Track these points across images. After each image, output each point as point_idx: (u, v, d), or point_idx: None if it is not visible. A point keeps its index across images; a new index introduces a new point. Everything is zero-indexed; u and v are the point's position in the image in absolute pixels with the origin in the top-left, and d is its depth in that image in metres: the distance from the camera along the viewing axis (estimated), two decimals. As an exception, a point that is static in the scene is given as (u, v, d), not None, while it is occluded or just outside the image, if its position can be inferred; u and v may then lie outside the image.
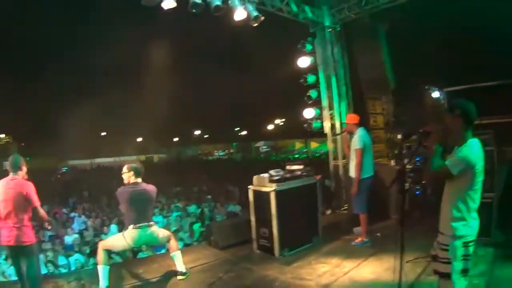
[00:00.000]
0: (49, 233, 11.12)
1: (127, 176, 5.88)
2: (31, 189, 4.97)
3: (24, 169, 5.15)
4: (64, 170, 37.01)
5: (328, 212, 9.47)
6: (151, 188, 5.88)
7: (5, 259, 8.94)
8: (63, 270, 9.17)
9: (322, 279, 5.31)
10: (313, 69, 9.65)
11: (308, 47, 9.53)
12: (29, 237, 4.94)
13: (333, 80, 9.55)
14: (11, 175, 5.04)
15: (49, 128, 29.52)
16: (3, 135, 40.56)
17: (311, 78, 9.56)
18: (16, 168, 5.06)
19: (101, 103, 25.94)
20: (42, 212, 5.05)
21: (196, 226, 11.49)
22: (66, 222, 12.90)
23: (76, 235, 11.33)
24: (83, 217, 13.46)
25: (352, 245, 6.77)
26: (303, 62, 9.55)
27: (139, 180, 5.87)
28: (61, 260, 9.59)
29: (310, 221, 6.90)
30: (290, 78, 10.72)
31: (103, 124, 40.23)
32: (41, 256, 8.96)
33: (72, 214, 13.78)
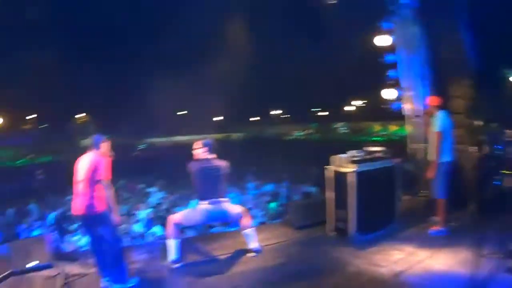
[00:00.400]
0: (125, 207, 11.78)
1: (200, 152, 6.03)
2: (102, 164, 5.21)
3: (104, 147, 5.45)
4: (142, 147, 38.52)
5: (406, 197, 9.08)
6: (223, 164, 5.98)
7: (77, 229, 9.48)
8: (138, 243, 9.62)
9: (395, 266, 5.24)
10: (393, 48, 9.28)
11: (387, 25, 9.16)
12: (100, 206, 5.15)
13: (413, 60, 9.15)
14: (91, 151, 5.39)
15: (128, 107, 30.59)
16: (83, 114, 42.43)
17: (390, 58, 9.27)
18: (95, 145, 5.40)
19: (179, 82, 26.50)
20: (107, 187, 5.20)
21: (272, 205, 11.59)
22: (142, 197, 13.46)
23: (151, 209, 11.82)
24: (158, 192, 13.95)
25: (428, 233, 6.56)
26: (383, 40, 9.24)
27: (212, 156, 5.99)
28: (136, 233, 10.10)
29: (387, 206, 6.71)
30: (370, 58, 10.43)
31: (182, 103, 41.31)
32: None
33: (148, 189, 14.30)
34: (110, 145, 5.56)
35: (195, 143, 6.19)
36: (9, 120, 31.46)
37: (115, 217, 5.31)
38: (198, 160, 6.02)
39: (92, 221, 5.20)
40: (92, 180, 5.13)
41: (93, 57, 26.14)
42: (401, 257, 5.56)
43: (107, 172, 5.21)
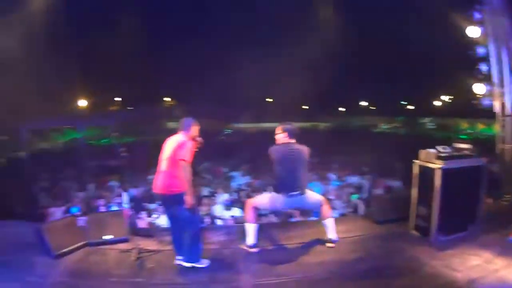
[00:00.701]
0: (208, 189, 12.15)
1: (281, 136, 6.07)
2: (185, 145, 5.37)
3: (193, 130, 5.70)
4: (227, 133, 39.35)
5: (489, 199, 8.51)
6: (303, 149, 5.96)
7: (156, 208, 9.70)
8: (217, 224, 9.97)
9: (470, 272, 5.06)
10: (483, 40, 8.77)
11: (477, 15, 8.69)
12: (178, 186, 5.32)
13: (505, 53, 8.59)
14: (180, 133, 5.66)
15: (215, 93, 31.22)
16: (168, 98, 43.80)
17: (480, 51, 8.84)
18: (184, 127, 5.69)
19: (269, 68, 26.69)
20: (185, 169, 5.27)
21: (354, 197, 11.53)
22: (225, 180, 13.82)
23: (233, 193, 11.99)
24: (241, 176, 14.23)
25: (509, 240, 6.18)
26: (472, 32, 8.82)
27: (292, 140, 6.01)
28: (216, 215, 10.40)
29: (470, 207, 6.40)
30: (459, 51, 10.00)
31: (270, 90, 41.69)
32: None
33: (232, 173, 14.63)
34: (199, 129, 5.79)
35: (276, 128, 6.23)
36: (97, 102, 33.12)
37: (188, 199, 5.41)
38: (278, 145, 6.07)
39: (172, 200, 5.40)
40: (175, 160, 5.33)
41: (182, 40, 26.87)
42: (477, 263, 5.35)
43: (190, 154, 5.34)
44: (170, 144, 5.55)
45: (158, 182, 5.51)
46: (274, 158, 5.95)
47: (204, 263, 5.54)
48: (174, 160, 5.37)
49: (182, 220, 5.46)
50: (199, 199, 8.47)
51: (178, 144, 5.41)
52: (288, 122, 6.28)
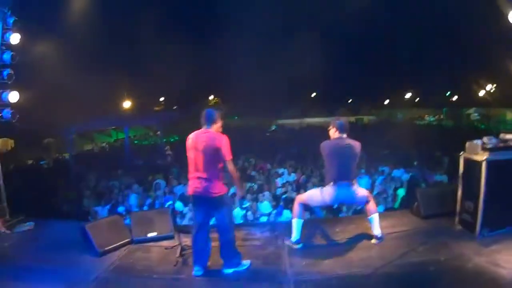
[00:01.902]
0: (253, 184, 12.28)
1: (332, 132, 6.09)
2: (224, 142, 5.08)
3: (219, 123, 5.33)
4: (273, 129, 39.50)
5: None
6: (355, 143, 5.94)
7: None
8: (263, 219, 9.94)
9: None
10: None
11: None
12: (219, 188, 5.11)
13: None
14: (204, 128, 5.27)
15: (260, 89, 31.36)
16: (211, 97, 44.24)
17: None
18: (210, 121, 5.26)
19: (310, 64, 26.59)
20: (231, 167, 5.14)
21: (401, 191, 11.41)
22: (270, 177, 13.91)
23: (279, 189, 12.08)
24: (287, 173, 14.29)
25: None
26: None
27: (344, 135, 6.00)
28: (261, 211, 10.52)
29: None
30: (503, 37, 9.70)
31: (313, 84, 41.60)
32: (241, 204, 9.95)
33: (277, 170, 14.68)
34: (223, 121, 5.45)
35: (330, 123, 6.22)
36: (141, 102, 33.80)
37: (239, 192, 5.64)
38: (330, 140, 6.10)
39: (214, 203, 5.19)
40: (215, 160, 5.10)
41: (227, 38, 27.12)
42: (524, 260, 5.22)
43: (229, 150, 5.13)
44: (203, 142, 5.12)
45: (198, 184, 5.17)
46: (325, 153, 6.01)
47: (244, 265, 5.45)
48: (214, 160, 5.10)
49: (222, 225, 5.28)
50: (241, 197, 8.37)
51: (213, 142, 5.08)
52: (338, 117, 6.28)
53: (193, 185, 5.24)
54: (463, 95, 43.49)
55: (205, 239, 5.35)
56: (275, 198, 11.06)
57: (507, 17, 8.52)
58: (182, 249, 5.85)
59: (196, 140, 5.21)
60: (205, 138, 5.16)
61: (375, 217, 6.13)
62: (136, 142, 33.26)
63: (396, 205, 10.77)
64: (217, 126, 5.33)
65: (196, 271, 5.30)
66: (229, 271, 5.32)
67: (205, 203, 5.24)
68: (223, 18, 26.46)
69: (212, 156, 5.08)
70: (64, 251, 6.17)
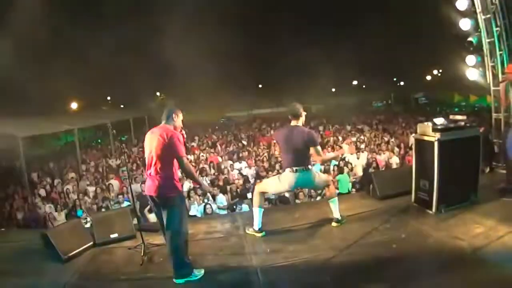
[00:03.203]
0: (208, 178, 12.31)
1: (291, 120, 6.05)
2: (176, 139, 4.81)
3: (177, 120, 5.09)
4: (222, 121, 39.51)
5: (487, 169, 8.63)
6: (307, 131, 5.96)
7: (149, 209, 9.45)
8: (222, 212, 10.02)
9: (475, 240, 5.13)
10: (472, 12, 8.79)
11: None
12: (172, 189, 4.84)
13: (493, 24, 8.57)
14: (163, 125, 5.02)
15: (206, 83, 31.21)
16: (158, 93, 43.85)
17: (470, 23, 8.86)
18: (168, 118, 5.04)
19: (256, 57, 26.75)
20: (186, 163, 4.90)
21: (341, 177, 11.66)
22: (223, 169, 13.97)
23: (236, 181, 12.15)
24: (242, 164, 14.34)
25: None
26: (461, 4, 8.82)
27: (297, 122, 5.99)
28: (220, 203, 10.55)
29: (469, 177, 6.46)
30: (447, 22, 10.01)
31: (260, 76, 41.83)
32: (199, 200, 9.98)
33: (236, 164, 14.69)
34: (182, 118, 5.22)
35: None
36: (89, 102, 32.97)
37: (205, 187, 5.78)
38: (282, 128, 6.16)
39: (165, 202, 4.89)
40: (167, 157, 4.84)
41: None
42: (481, 231, 5.41)
43: (183, 147, 4.90)
44: (154, 139, 4.88)
45: (149, 184, 4.94)
46: (278, 141, 6.19)
47: (197, 275, 4.96)
48: (165, 158, 4.84)
49: (170, 227, 4.87)
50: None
51: (168, 140, 4.79)
52: (290, 104, 6.22)
53: (147, 185, 5.02)
54: (411, 80, 44.79)
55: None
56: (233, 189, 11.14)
57: (454, 2, 8.82)
58: (146, 248, 5.74)
59: (149, 137, 5.03)
60: (157, 134, 4.88)
61: (334, 201, 6.21)
62: (88, 143, 32.37)
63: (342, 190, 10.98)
64: (176, 123, 5.08)
65: None
66: (180, 281, 4.85)
67: (159, 202, 4.96)
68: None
69: (165, 153, 4.82)
70: (29, 261, 5.93)
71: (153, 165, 4.86)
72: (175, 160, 4.86)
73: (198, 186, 5.74)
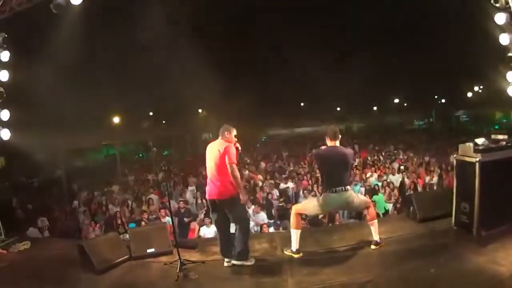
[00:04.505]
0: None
1: (327, 140, 6.11)
2: (229, 149, 5.72)
3: (230, 135, 5.99)
4: (263, 140, 39.62)
5: None
6: (347, 151, 6.01)
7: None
8: (260, 232, 9.89)
9: None
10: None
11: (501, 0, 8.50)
12: (231, 191, 5.72)
13: None
14: (219, 139, 5.98)
15: (249, 100, 31.37)
16: (200, 110, 44.27)
17: (510, 37, 8.60)
18: (222, 134, 5.97)
19: (298, 75, 26.76)
20: (234, 170, 5.68)
21: (377, 198, 11.52)
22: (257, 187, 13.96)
23: (275, 201, 12.22)
24: (284, 183, 14.31)
25: None
26: (499, 18, 8.61)
27: (335, 143, 6.02)
28: (260, 222, 10.46)
29: (511, 200, 6.11)
30: (487, 38, 9.81)
31: (302, 94, 41.87)
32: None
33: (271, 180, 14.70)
34: (235, 134, 6.09)
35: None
36: (130, 117, 33.54)
37: (243, 197, 5.83)
38: (323, 148, 6.16)
39: (226, 204, 5.78)
40: (223, 166, 5.67)
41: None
42: (523, 257, 5.24)
43: (235, 157, 5.75)
44: (213, 151, 5.85)
45: (211, 189, 5.86)
46: (318, 161, 6.31)
47: (252, 261, 5.93)
48: (222, 166, 5.70)
49: (237, 220, 5.85)
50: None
51: (223, 150, 5.70)
52: (329, 125, 6.40)
53: (208, 190, 5.97)
54: (451, 97, 43.90)
55: (227, 233, 6.10)
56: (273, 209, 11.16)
57: (493, 18, 8.63)
58: (182, 264, 5.81)
59: (208, 150, 6.00)
60: (215, 147, 5.88)
61: (374, 223, 6.15)
62: (129, 157, 33.06)
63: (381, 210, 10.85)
64: (230, 138, 5.98)
65: (226, 263, 5.97)
66: (238, 263, 5.88)
67: (220, 205, 5.90)
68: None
69: (220, 162, 5.73)
70: (63, 270, 6.11)
71: (213, 172, 5.81)
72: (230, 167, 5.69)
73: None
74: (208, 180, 5.99)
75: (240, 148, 6.10)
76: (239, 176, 5.82)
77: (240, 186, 5.84)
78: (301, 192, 12.65)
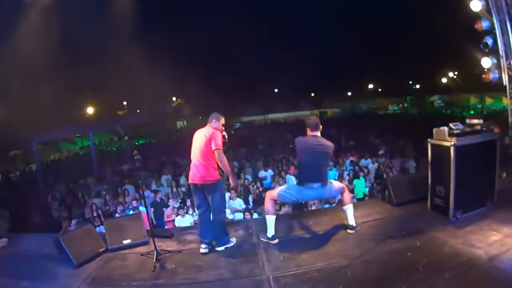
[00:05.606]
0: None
1: (307, 130, 6.09)
2: (215, 135, 5.83)
3: (217, 122, 6.09)
4: (237, 126, 39.45)
5: (504, 174, 8.35)
6: (328, 143, 5.97)
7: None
8: (235, 218, 9.98)
9: (491, 248, 5.03)
10: (487, 13, 8.63)
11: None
12: (214, 176, 5.84)
13: (508, 25, 8.42)
14: (207, 126, 6.07)
15: (222, 89, 31.19)
16: (174, 98, 43.96)
17: (485, 24, 8.69)
18: (210, 122, 6.09)
19: (272, 61, 26.67)
20: (220, 155, 5.80)
21: (357, 182, 11.58)
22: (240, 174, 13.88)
23: (246, 187, 12.21)
24: (252, 170, 14.28)
25: None
26: (475, 5, 8.67)
27: (316, 133, 6.03)
28: (238, 205, 10.54)
29: (486, 183, 6.35)
30: (462, 24, 9.88)
31: (275, 80, 41.85)
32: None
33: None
34: (223, 123, 6.21)
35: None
36: (105, 108, 33.16)
37: (232, 181, 6.08)
38: (302, 137, 6.10)
39: (208, 189, 5.89)
40: (208, 151, 5.79)
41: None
42: (498, 239, 5.30)
43: (221, 143, 5.84)
44: (200, 137, 5.96)
45: (194, 173, 5.92)
46: (297, 150, 6.09)
47: (233, 241, 6.18)
48: (207, 152, 5.82)
49: (215, 207, 5.92)
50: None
51: (209, 136, 5.82)
52: (309, 116, 6.37)
53: (191, 174, 6.03)
54: (426, 83, 44.38)
55: (208, 217, 6.10)
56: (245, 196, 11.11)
57: (468, 4, 8.68)
58: (158, 254, 5.74)
59: (195, 136, 6.10)
60: (202, 133, 5.99)
61: (349, 208, 6.15)
62: (102, 148, 32.61)
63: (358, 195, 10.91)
64: (217, 125, 6.10)
65: (202, 249, 5.97)
66: (221, 248, 6.00)
67: (202, 189, 5.99)
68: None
69: (205, 148, 5.84)
70: (41, 266, 5.91)
71: (198, 157, 5.89)
72: (214, 154, 5.83)
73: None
74: (192, 165, 6.02)
75: (226, 137, 6.18)
76: (225, 160, 5.87)
77: (229, 170, 5.99)
78: (277, 178, 12.61)
